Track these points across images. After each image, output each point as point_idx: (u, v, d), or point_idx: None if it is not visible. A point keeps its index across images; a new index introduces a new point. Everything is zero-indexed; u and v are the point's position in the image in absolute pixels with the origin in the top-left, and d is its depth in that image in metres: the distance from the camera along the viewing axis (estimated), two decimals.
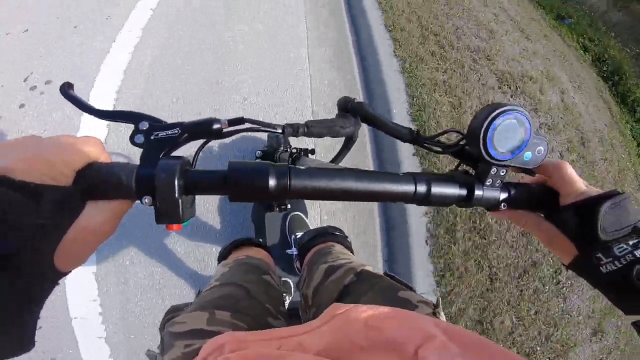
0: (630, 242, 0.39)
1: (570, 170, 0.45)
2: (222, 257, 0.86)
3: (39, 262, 0.29)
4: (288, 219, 1.42)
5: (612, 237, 0.40)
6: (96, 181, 0.33)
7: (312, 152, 0.86)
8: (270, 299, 0.67)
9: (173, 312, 0.58)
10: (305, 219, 1.47)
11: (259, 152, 1.11)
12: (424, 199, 0.43)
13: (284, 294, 1.30)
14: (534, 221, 0.49)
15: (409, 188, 0.42)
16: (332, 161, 0.75)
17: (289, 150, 0.86)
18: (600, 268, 0.40)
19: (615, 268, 0.39)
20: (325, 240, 0.88)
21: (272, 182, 0.37)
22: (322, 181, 0.39)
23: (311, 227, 1.46)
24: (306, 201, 1.50)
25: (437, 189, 0.43)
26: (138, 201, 0.34)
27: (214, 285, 0.66)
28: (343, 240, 0.91)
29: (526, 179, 0.51)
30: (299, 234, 1.41)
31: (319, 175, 0.39)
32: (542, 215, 0.48)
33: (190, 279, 1.51)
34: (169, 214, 0.34)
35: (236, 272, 0.72)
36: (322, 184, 0.39)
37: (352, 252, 0.89)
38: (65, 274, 0.32)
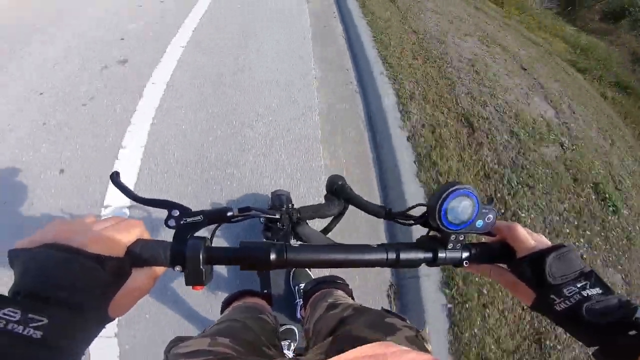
0: (578, 285, 0.46)
1: (521, 230, 0.53)
2: (224, 306, 0.97)
3: (99, 309, 0.38)
4: (292, 272, 1.51)
5: (561, 281, 0.47)
6: (140, 254, 0.44)
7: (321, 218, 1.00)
8: (264, 331, 0.75)
9: (178, 341, 0.66)
10: (309, 271, 1.56)
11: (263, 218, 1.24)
12: (395, 264, 0.52)
13: (289, 341, 1.36)
14: (497, 272, 0.57)
15: (381, 256, 0.52)
16: (325, 229, 0.87)
17: (290, 215, 1.00)
18: (555, 307, 0.46)
19: (567, 306, 0.45)
20: (328, 286, 0.97)
21: (272, 257, 0.48)
22: (312, 255, 0.50)
23: (314, 277, 1.55)
24: None
25: (404, 255, 0.52)
26: (170, 268, 0.46)
27: (215, 324, 0.76)
28: (344, 287, 0.99)
29: (488, 238, 0.58)
30: (303, 285, 1.50)
31: (310, 251, 0.51)
32: (505, 266, 0.56)
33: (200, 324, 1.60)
34: (195, 279, 0.45)
35: (234, 312, 0.83)
36: (312, 257, 0.50)
37: (352, 298, 0.96)
38: (113, 319, 0.41)
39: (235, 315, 0.80)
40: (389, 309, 0.72)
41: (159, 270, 0.47)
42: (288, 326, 1.42)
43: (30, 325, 0.32)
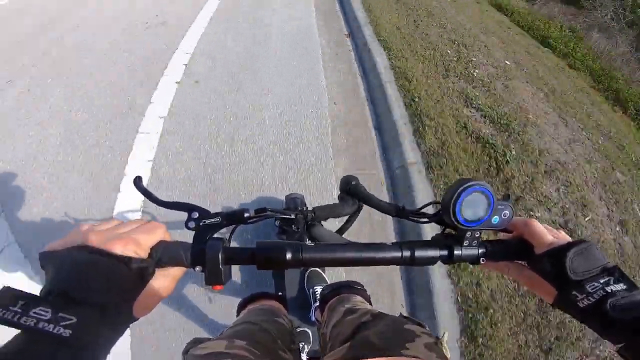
0: (601, 281, 0.45)
1: (538, 226, 0.53)
2: (239, 308, 0.98)
3: (124, 309, 0.40)
4: (306, 274, 1.52)
5: (584, 277, 0.46)
6: (163, 255, 0.45)
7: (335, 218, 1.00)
8: (280, 334, 0.76)
9: (196, 342, 0.68)
10: (323, 274, 1.57)
11: (278, 220, 1.26)
12: (410, 262, 0.52)
13: (303, 343, 1.37)
14: (516, 269, 0.56)
15: (396, 254, 0.52)
16: (340, 229, 0.87)
17: (305, 215, 1.01)
18: (578, 304, 0.45)
19: (590, 302, 0.44)
20: (346, 291, 0.97)
21: (288, 256, 0.49)
22: (327, 254, 0.51)
23: (329, 280, 1.55)
24: None
25: (420, 253, 0.52)
26: (191, 268, 0.47)
27: (231, 327, 0.77)
28: (363, 292, 0.99)
29: (506, 235, 0.58)
30: (318, 288, 1.50)
31: (325, 250, 0.52)
32: (524, 263, 0.55)
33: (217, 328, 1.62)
34: (214, 278, 0.47)
35: (250, 315, 0.83)
36: (327, 256, 0.51)
37: (370, 303, 0.96)
38: (137, 319, 0.43)
39: (252, 318, 0.81)
40: (407, 315, 0.71)
41: (180, 270, 0.48)
42: (302, 329, 1.43)
43: (61, 324, 0.33)
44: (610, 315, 0.42)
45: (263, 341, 0.71)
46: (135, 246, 0.42)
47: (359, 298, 0.95)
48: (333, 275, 1.82)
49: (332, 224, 0.95)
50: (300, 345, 1.37)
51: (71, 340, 0.33)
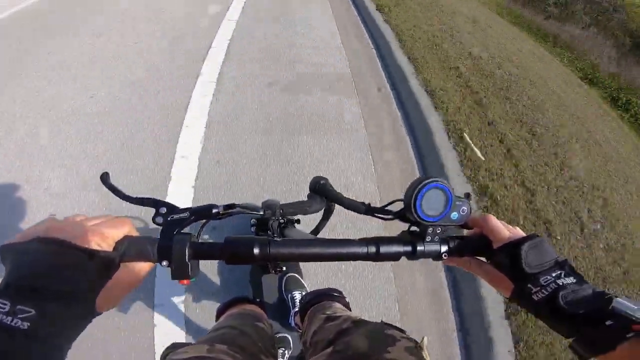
0: (553, 274, 0.47)
1: (495, 221, 0.54)
2: (219, 313, 0.97)
3: (86, 302, 0.40)
4: (284, 280, 1.52)
5: (537, 270, 0.48)
6: (128, 249, 0.45)
7: (298, 222, 1.02)
8: (261, 339, 0.76)
9: (175, 347, 0.67)
10: (302, 279, 1.57)
11: (254, 220, 1.27)
12: (375, 257, 0.54)
13: (283, 349, 1.36)
14: (476, 265, 0.58)
15: (361, 250, 0.53)
16: (314, 230, 0.89)
17: (278, 220, 1.02)
18: (533, 296, 0.47)
19: (544, 295, 0.46)
20: (326, 299, 0.98)
21: (256, 251, 0.50)
22: (294, 249, 0.52)
23: (307, 285, 1.56)
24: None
25: (384, 249, 0.54)
26: (158, 263, 0.47)
27: (211, 331, 0.76)
28: (342, 299, 1.00)
29: (468, 232, 0.60)
30: (296, 293, 1.50)
31: (292, 245, 0.53)
32: (484, 259, 0.57)
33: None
34: (181, 273, 0.47)
35: (230, 319, 0.83)
36: (295, 251, 0.52)
37: (350, 310, 0.97)
38: (100, 313, 0.42)
39: (232, 322, 0.81)
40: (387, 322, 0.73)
41: (147, 265, 0.48)
42: (282, 334, 1.43)
43: (19, 316, 0.33)
44: (562, 307, 0.44)
45: (244, 345, 0.71)
46: (99, 239, 0.43)
47: (339, 305, 0.95)
48: (314, 283, 1.83)
49: (308, 226, 0.97)
50: (281, 351, 1.37)
51: (29, 332, 0.33)
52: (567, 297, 0.44)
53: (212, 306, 1.66)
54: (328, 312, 0.86)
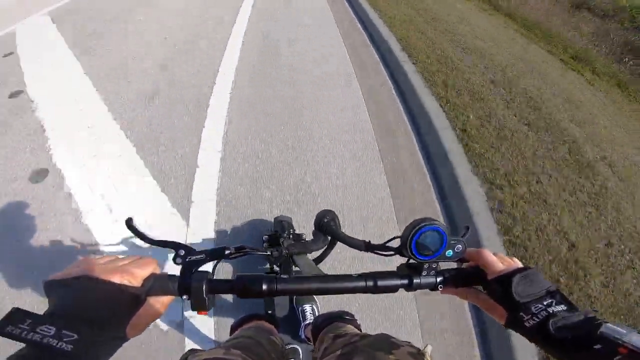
0: (544, 302, 0.50)
1: (489, 256, 0.58)
2: (233, 329, 1.04)
3: (118, 329, 0.46)
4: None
5: (528, 300, 0.51)
6: (154, 285, 0.52)
7: (303, 236, 1.08)
8: (274, 350, 0.82)
9: (193, 351, 0.73)
10: None
11: (266, 236, 1.34)
12: (373, 290, 0.59)
13: None
14: (473, 294, 0.62)
15: (360, 284, 0.58)
16: (318, 259, 0.94)
17: (289, 236, 1.08)
18: (525, 324, 0.50)
19: (535, 322, 0.49)
20: (337, 321, 1.02)
21: (264, 287, 0.56)
22: (298, 285, 0.58)
23: (317, 299, 1.62)
24: None
25: (382, 282, 0.58)
26: (179, 297, 0.54)
27: (226, 341, 0.83)
28: (353, 322, 1.04)
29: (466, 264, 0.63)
30: (306, 306, 1.56)
31: (296, 282, 0.58)
32: (480, 288, 0.60)
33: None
34: (199, 306, 0.54)
35: (245, 331, 0.89)
36: (298, 287, 0.58)
37: (360, 331, 0.99)
38: (129, 338, 0.48)
39: (247, 333, 0.87)
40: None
41: (169, 299, 0.55)
42: (292, 346, 1.48)
43: (64, 339, 0.39)
44: (552, 334, 0.47)
45: (258, 353, 0.77)
46: (130, 277, 0.49)
47: (349, 327, 1.00)
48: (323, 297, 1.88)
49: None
50: None
51: (72, 353, 0.39)
52: (557, 323, 0.47)
53: (225, 319, 1.74)
54: (338, 332, 0.91)
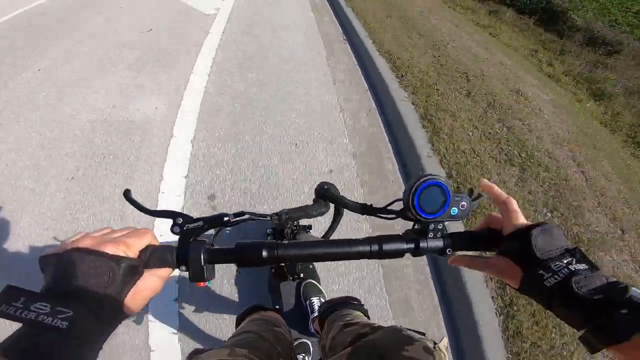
0: (565, 261, 0.46)
1: (514, 205, 0.55)
2: (238, 320, 1.01)
3: (114, 305, 0.44)
4: (302, 286, 1.54)
5: (548, 256, 0.47)
6: (151, 257, 0.50)
7: (310, 227, 1.05)
8: (280, 343, 0.80)
9: (197, 352, 0.71)
10: (319, 285, 1.59)
11: (270, 230, 1.32)
12: (378, 254, 0.56)
13: (303, 354, 1.38)
14: (481, 261, 0.57)
15: (365, 248, 0.56)
16: (325, 235, 0.92)
17: (291, 227, 1.06)
18: (544, 282, 0.46)
19: (556, 281, 0.45)
20: (344, 307, 1.00)
21: (264, 254, 0.54)
22: (300, 250, 0.55)
23: (324, 291, 1.58)
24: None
25: (388, 246, 0.56)
26: (177, 268, 0.51)
27: (231, 337, 0.80)
28: (360, 307, 1.02)
29: (476, 225, 0.61)
30: (314, 299, 1.52)
31: (298, 247, 0.56)
32: (489, 254, 0.57)
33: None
34: (197, 276, 0.51)
35: (250, 325, 0.86)
36: (300, 252, 0.55)
37: (368, 318, 0.98)
38: (127, 316, 0.46)
39: (252, 328, 0.84)
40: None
41: (167, 272, 0.52)
42: (301, 340, 1.44)
43: (58, 316, 0.37)
44: (575, 293, 0.43)
45: (263, 349, 0.74)
46: (125, 247, 0.47)
47: (357, 313, 0.98)
48: (330, 289, 1.85)
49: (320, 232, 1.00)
50: (300, 357, 1.39)
51: (67, 330, 0.37)
52: (579, 282, 0.44)
53: (229, 315, 1.70)
54: (347, 319, 0.88)
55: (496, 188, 0.58)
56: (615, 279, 0.44)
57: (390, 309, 1.83)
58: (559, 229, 0.51)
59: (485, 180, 0.60)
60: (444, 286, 1.95)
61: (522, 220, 0.54)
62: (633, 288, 0.41)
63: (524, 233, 0.50)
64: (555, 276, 0.45)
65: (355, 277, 1.93)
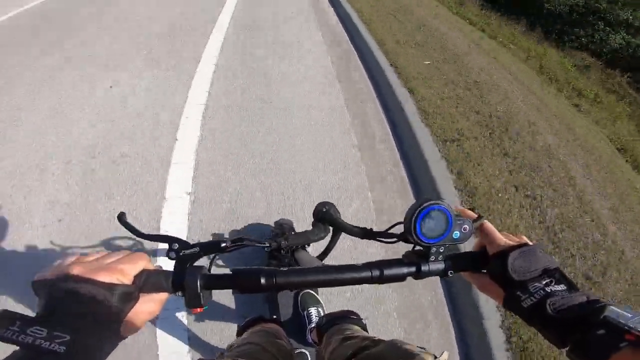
0: (542, 282, 0.48)
1: (490, 228, 0.56)
2: (240, 331, 1.01)
3: (111, 329, 0.44)
4: (300, 297, 1.55)
5: (525, 278, 0.48)
6: (146, 282, 0.49)
7: (308, 244, 1.05)
8: (282, 355, 0.79)
9: None
10: (317, 295, 1.59)
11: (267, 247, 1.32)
12: (380, 280, 0.55)
13: None
14: (472, 277, 0.58)
15: (365, 274, 0.55)
16: (322, 254, 0.92)
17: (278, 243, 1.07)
18: (522, 303, 0.47)
19: (532, 302, 0.47)
20: (343, 322, 1.00)
21: (263, 281, 0.53)
22: (299, 277, 0.54)
23: (322, 301, 1.58)
24: None
25: (388, 272, 0.55)
26: (173, 294, 0.51)
27: (234, 347, 0.79)
28: (359, 321, 1.02)
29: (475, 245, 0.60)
30: (312, 309, 1.52)
31: (297, 274, 0.55)
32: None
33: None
34: (193, 302, 0.50)
35: (252, 336, 0.86)
36: (300, 279, 0.54)
37: (367, 332, 0.98)
38: (125, 338, 0.46)
39: (254, 339, 0.84)
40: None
41: (164, 295, 0.52)
42: (299, 350, 1.45)
43: (56, 341, 0.37)
44: (549, 314, 0.44)
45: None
46: (119, 275, 0.46)
47: (356, 327, 0.97)
48: (328, 299, 1.85)
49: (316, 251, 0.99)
50: None
51: (65, 355, 0.37)
52: (554, 303, 0.45)
53: (227, 326, 1.71)
54: (347, 333, 0.88)
55: (469, 211, 0.58)
56: (595, 298, 0.45)
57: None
58: (543, 249, 0.52)
59: (460, 207, 0.60)
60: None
61: (501, 240, 0.54)
62: (611, 307, 0.42)
63: (502, 256, 0.51)
64: (532, 297, 0.47)
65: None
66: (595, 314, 0.42)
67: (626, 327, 0.39)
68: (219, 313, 1.73)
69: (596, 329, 0.41)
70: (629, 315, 0.40)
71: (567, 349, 0.44)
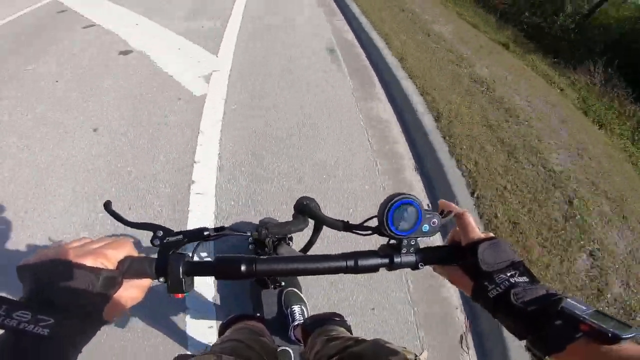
0: (508, 273, 0.51)
1: (468, 219, 0.58)
2: (222, 329, 1.02)
3: (94, 313, 0.45)
4: (283, 295, 1.57)
5: (492, 269, 0.51)
6: (129, 268, 0.51)
7: (291, 239, 1.08)
8: (265, 353, 0.81)
9: (180, 358, 0.71)
10: (300, 293, 1.62)
11: (251, 238, 1.34)
12: (354, 270, 0.58)
13: None
14: (443, 270, 0.62)
15: (341, 264, 0.58)
16: (304, 247, 0.94)
17: (272, 239, 1.08)
18: (488, 294, 0.50)
19: (498, 292, 0.49)
20: (327, 323, 1.02)
21: (243, 268, 0.55)
22: (278, 265, 0.57)
23: (306, 299, 1.61)
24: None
25: (363, 262, 0.58)
26: (156, 280, 0.53)
27: (218, 343, 0.81)
28: (343, 323, 1.04)
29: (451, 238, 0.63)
30: (295, 307, 1.55)
31: (276, 262, 0.57)
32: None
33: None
34: (176, 288, 0.52)
35: (236, 333, 0.88)
36: (278, 267, 0.57)
37: (351, 333, 1.01)
38: (107, 322, 0.48)
39: (238, 336, 0.85)
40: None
41: (147, 282, 0.54)
42: (283, 348, 1.46)
43: (40, 324, 0.39)
44: (513, 304, 0.47)
45: (250, 357, 0.75)
46: (104, 259, 0.48)
47: (341, 329, 1.00)
48: (313, 299, 1.87)
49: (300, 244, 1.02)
50: None
51: (49, 337, 0.39)
52: (518, 294, 0.48)
53: (209, 321, 1.71)
54: (331, 334, 0.90)
55: (453, 205, 0.61)
56: (554, 291, 0.48)
57: None
58: (507, 242, 0.55)
59: (443, 200, 0.64)
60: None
61: (476, 233, 0.57)
62: (567, 299, 0.44)
63: (473, 247, 0.54)
64: (497, 288, 0.50)
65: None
66: (553, 305, 0.45)
67: (581, 318, 0.42)
68: (201, 308, 1.73)
69: (554, 320, 0.43)
70: (583, 307, 0.43)
71: (526, 341, 0.47)
